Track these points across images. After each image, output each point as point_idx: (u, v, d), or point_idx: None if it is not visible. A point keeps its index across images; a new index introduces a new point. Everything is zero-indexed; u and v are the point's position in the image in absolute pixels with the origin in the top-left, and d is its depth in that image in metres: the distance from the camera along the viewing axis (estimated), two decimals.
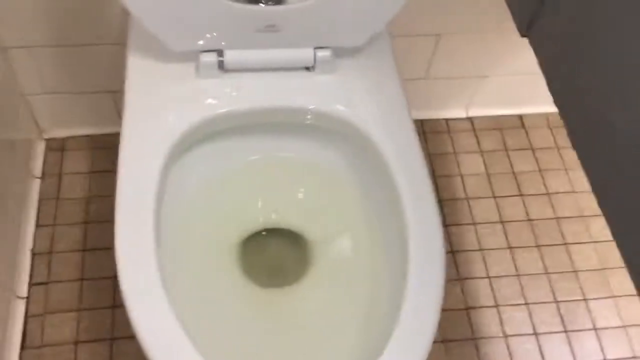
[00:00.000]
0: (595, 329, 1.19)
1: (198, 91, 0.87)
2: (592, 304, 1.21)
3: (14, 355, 1.05)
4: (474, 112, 1.41)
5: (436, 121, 1.40)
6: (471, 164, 1.35)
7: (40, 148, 1.27)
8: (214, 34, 0.84)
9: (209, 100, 0.87)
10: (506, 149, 1.38)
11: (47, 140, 1.28)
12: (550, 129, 1.42)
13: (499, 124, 1.41)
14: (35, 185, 1.23)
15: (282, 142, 0.96)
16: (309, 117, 0.90)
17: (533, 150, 1.39)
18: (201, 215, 0.93)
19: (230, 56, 0.87)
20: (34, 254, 1.16)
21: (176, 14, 0.81)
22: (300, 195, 0.99)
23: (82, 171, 1.26)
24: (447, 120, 1.41)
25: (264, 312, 0.92)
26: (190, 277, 0.89)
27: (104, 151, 1.27)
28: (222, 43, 0.86)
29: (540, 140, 1.40)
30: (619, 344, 1.17)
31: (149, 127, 0.84)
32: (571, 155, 1.36)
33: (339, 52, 0.91)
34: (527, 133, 1.41)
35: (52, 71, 1.15)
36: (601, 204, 0.68)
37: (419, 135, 1.35)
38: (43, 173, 1.25)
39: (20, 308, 1.10)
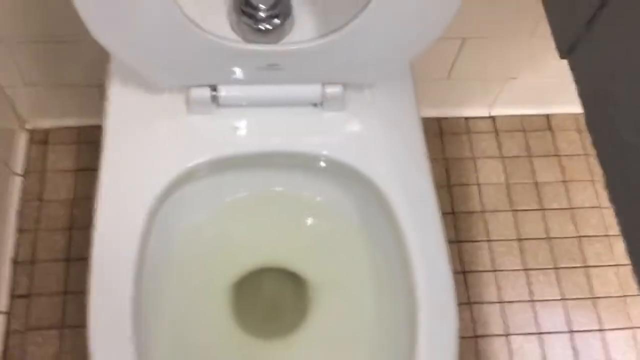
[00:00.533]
0: None
1: (188, 130, 0.77)
2: (608, 335, 1.14)
3: None
4: (497, 111, 1.29)
5: (455, 120, 1.28)
6: (490, 172, 1.25)
7: (22, 140, 1.17)
8: (207, 72, 0.72)
9: (201, 142, 0.77)
10: (529, 155, 1.27)
11: (30, 131, 1.18)
12: (579, 132, 1.30)
13: (523, 125, 1.29)
14: (17, 184, 1.13)
15: (282, 177, 0.86)
16: (315, 162, 0.79)
17: (559, 157, 1.27)
18: (189, 258, 0.84)
19: (225, 92, 0.75)
20: (14, 263, 1.08)
21: (161, 53, 0.69)
22: (301, 234, 0.90)
23: (67, 168, 1.16)
24: (467, 118, 1.29)
25: None
26: (176, 326, 0.82)
27: (91, 146, 1.16)
28: (216, 80, 0.74)
29: (567, 146, 1.28)
30: None
31: (130, 179, 0.74)
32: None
33: (352, 86, 0.79)
34: (553, 136, 1.29)
35: (34, 65, 1.03)
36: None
37: (436, 136, 1.27)
38: (25, 170, 1.15)
39: (1, 323, 1.03)
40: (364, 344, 0.84)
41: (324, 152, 0.78)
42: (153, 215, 0.75)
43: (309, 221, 0.88)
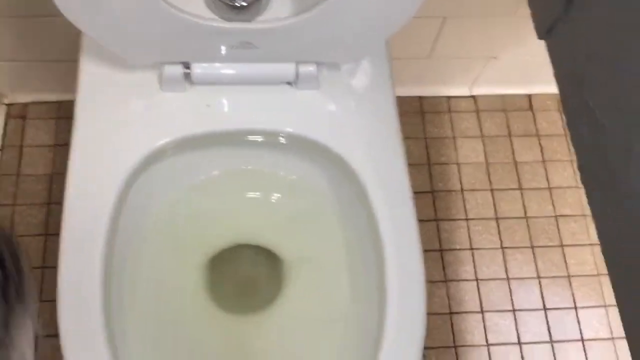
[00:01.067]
0: (582, 340, 1.14)
1: (160, 108, 0.76)
2: (582, 313, 1.16)
3: None
4: (479, 90, 1.29)
5: (437, 99, 1.28)
6: (470, 151, 1.25)
7: (0, 114, 1.16)
8: (180, 49, 0.72)
9: (173, 120, 0.76)
10: (510, 135, 1.27)
11: (8, 105, 1.17)
12: (560, 112, 1.30)
13: (504, 105, 1.29)
14: None
15: (256, 155, 0.86)
16: (285, 139, 0.79)
17: (539, 137, 1.28)
18: (163, 235, 0.85)
19: (198, 70, 0.75)
20: None
21: (133, 31, 0.68)
22: (275, 211, 0.90)
23: (45, 143, 1.15)
24: (448, 97, 1.29)
25: (231, 342, 0.85)
26: (150, 303, 0.82)
27: (70, 121, 1.16)
28: (189, 58, 0.73)
29: (547, 126, 1.29)
30: (605, 357, 1.13)
31: (101, 156, 0.73)
32: None
33: (327, 65, 0.78)
34: (534, 116, 1.30)
35: (12, 40, 1.01)
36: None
37: (417, 114, 1.27)
38: (2, 144, 1.14)
39: None
40: (336, 320, 0.85)
41: (298, 131, 0.78)
42: (124, 192, 0.75)
43: (283, 199, 0.89)
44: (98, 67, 0.77)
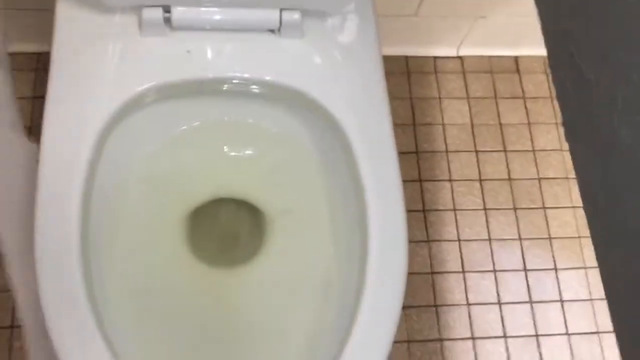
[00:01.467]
0: (561, 301, 1.15)
1: (139, 53, 0.74)
2: (562, 274, 1.17)
3: None
4: (466, 51, 1.28)
5: (423, 59, 1.27)
6: (455, 112, 1.24)
7: None
8: None
9: (152, 66, 0.74)
10: (496, 96, 1.27)
11: None
12: (547, 75, 1.29)
13: (491, 66, 1.28)
14: None
15: (237, 106, 0.84)
16: (266, 89, 0.78)
17: (525, 99, 1.27)
18: (142, 188, 0.83)
19: (178, 14, 0.73)
20: None
21: None
22: (257, 164, 0.89)
23: (24, 95, 1.13)
24: (435, 58, 1.28)
25: (212, 295, 0.85)
26: (130, 258, 0.81)
27: None
28: (169, 0, 0.71)
29: (533, 88, 1.28)
30: (584, 318, 1.14)
31: (77, 103, 0.72)
32: None
33: (310, 13, 0.77)
34: (520, 78, 1.29)
35: None
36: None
37: (403, 74, 1.25)
38: None
39: None
40: (317, 273, 0.85)
41: (280, 80, 0.76)
42: (101, 142, 0.73)
43: (265, 151, 0.88)
44: (74, 11, 0.75)
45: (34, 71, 1.14)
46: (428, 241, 1.15)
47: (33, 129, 1.11)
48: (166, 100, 0.80)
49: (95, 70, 0.73)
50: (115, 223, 0.79)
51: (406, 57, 1.26)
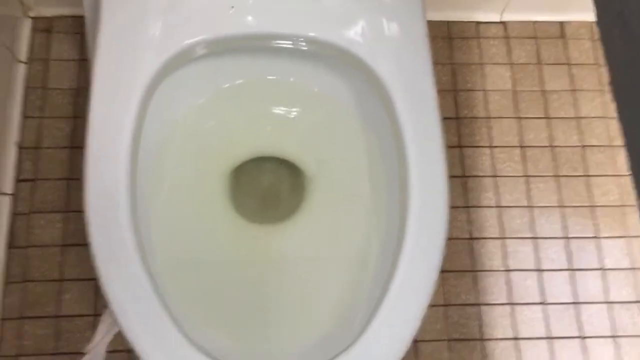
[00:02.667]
0: (602, 269, 1.14)
1: (185, 7, 0.75)
2: (603, 242, 1.15)
3: (0, 254, 1.03)
4: (510, 16, 1.26)
5: (465, 24, 1.25)
6: (497, 78, 1.23)
7: (26, 28, 1.16)
8: None
9: (197, 20, 0.75)
10: (539, 62, 1.25)
11: (34, 19, 1.17)
12: (593, 41, 1.26)
13: (535, 32, 1.26)
14: (21, 71, 1.13)
15: (280, 64, 0.85)
16: (309, 45, 0.78)
17: (569, 65, 1.25)
18: (186, 144, 0.85)
19: None
20: (20, 148, 1.10)
21: None
22: (298, 123, 0.90)
23: (71, 58, 1.15)
24: (477, 23, 1.26)
25: (252, 251, 0.86)
26: (173, 210, 0.83)
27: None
28: None
29: (579, 55, 1.25)
30: (625, 287, 1.13)
31: (125, 55, 0.73)
32: None
33: None
34: (565, 44, 1.26)
35: None
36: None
37: (445, 40, 1.24)
38: (29, 58, 1.15)
39: (5, 205, 1.06)
40: (356, 233, 0.85)
41: (323, 36, 0.77)
42: (148, 95, 0.75)
43: (307, 110, 0.88)
44: None
45: (80, 34, 1.16)
46: (467, 207, 1.15)
47: (80, 90, 1.14)
48: (210, 57, 0.81)
49: (141, 24, 0.75)
50: (160, 174, 0.80)
51: (448, 23, 1.25)
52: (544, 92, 1.23)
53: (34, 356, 0.99)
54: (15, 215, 1.06)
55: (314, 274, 0.85)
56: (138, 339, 0.64)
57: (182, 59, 0.77)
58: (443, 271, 1.10)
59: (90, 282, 1.03)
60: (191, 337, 0.65)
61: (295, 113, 0.89)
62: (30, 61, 1.14)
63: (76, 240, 1.06)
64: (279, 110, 0.89)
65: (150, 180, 0.79)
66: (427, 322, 1.07)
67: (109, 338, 0.96)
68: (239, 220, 0.87)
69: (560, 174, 1.18)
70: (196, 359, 0.64)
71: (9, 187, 1.07)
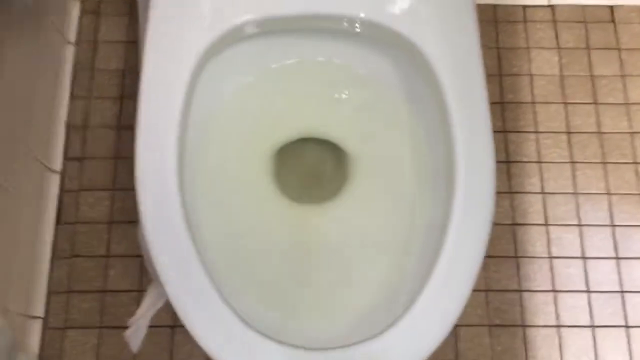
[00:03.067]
0: None
1: None
2: None
3: (49, 229, 1.06)
4: (558, 0, 1.23)
5: (512, 7, 1.23)
6: (544, 63, 1.21)
7: (75, 10, 1.18)
8: None
9: (246, 1, 0.76)
10: (588, 47, 1.22)
11: (82, 1, 1.19)
12: None
13: (584, 16, 1.23)
14: (70, 52, 1.16)
15: (328, 45, 0.85)
16: (360, 27, 0.78)
17: (619, 50, 1.22)
18: (233, 122, 0.86)
19: None
20: (68, 127, 1.12)
21: None
22: (344, 105, 0.90)
23: (118, 39, 1.17)
24: (524, 6, 1.24)
25: (295, 229, 0.87)
26: (219, 186, 0.84)
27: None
28: None
29: (629, 39, 1.22)
30: None
31: (177, 31, 0.74)
32: None
33: None
34: (615, 28, 1.23)
35: None
36: None
37: (491, 23, 1.22)
38: (78, 39, 1.17)
39: (54, 182, 1.09)
40: (400, 215, 0.85)
41: (373, 17, 0.76)
42: (198, 72, 0.76)
43: (352, 92, 0.88)
44: None
45: (127, 15, 1.18)
46: (510, 192, 1.13)
47: (126, 71, 1.16)
48: (259, 37, 0.81)
49: (193, 3, 0.75)
50: (207, 151, 0.82)
51: (494, 6, 1.23)
52: (592, 77, 1.20)
53: (81, 329, 1.02)
54: (63, 192, 1.09)
55: (356, 253, 0.85)
56: (184, 307, 0.65)
57: (231, 38, 0.78)
58: (485, 256, 1.09)
59: (136, 258, 1.05)
60: (237, 308, 0.66)
61: (341, 94, 0.89)
62: (78, 43, 1.17)
63: (122, 218, 1.08)
64: (325, 91, 0.89)
65: (197, 156, 0.80)
66: (468, 307, 1.05)
67: (152, 312, 0.98)
68: (283, 199, 0.87)
69: (608, 161, 1.15)
70: (243, 332, 0.65)
71: (58, 164, 1.09)
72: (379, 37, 0.80)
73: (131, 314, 1.01)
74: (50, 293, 1.03)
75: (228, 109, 0.85)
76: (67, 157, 1.11)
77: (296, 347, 0.65)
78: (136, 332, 0.97)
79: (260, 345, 0.65)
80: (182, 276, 0.66)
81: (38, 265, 1.02)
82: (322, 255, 0.85)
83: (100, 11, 1.19)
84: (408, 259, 0.82)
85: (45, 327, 1.01)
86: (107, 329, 1.02)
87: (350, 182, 0.88)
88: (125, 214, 1.08)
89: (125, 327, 1.00)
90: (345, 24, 0.79)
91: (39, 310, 1.01)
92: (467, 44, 0.79)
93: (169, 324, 1.01)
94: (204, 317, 0.65)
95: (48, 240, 1.05)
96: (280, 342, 0.65)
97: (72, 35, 1.16)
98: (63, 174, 1.10)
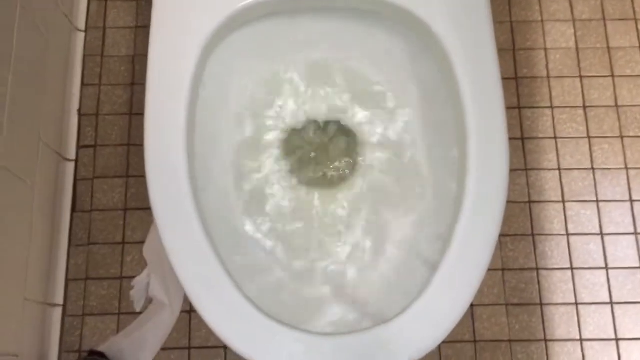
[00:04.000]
0: None
1: None
2: None
3: (65, 218, 1.07)
4: None
5: None
6: (559, 36, 1.18)
7: None
8: None
9: None
10: (604, 18, 1.19)
11: None
12: None
13: None
14: (80, 40, 1.15)
15: (335, 26, 0.84)
16: (369, 5, 0.77)
17: (636, 21, 1.19)
18: (241, 106, 0.85)
19: None
20: (80, 115, 1.13)
21: None
22: (353, 87, 0.88)
23: (127, 25, 1.17)
24: None
25: (307, 212, 0.86)
26: (228, 171, 0.84)
27: (151, 2, 1.17)
28: None
29: None
30: None
31: (181, 18, 0.74)
32: None
33: None
34: None
35: None
36: None
37: None
38: (87, 26, 1.17)
39: (69, 171, 1.09)
40: (412, 199, 0.85)
41: None
42: (204, 58, 0.75)
43: (364, 73, 0.87)
44: None
45: (135, 1, 1.17)
46: (526, 169, 1.12)
47: (136, 57, 1.15)
48: (265, 19, 0.80)
49: None
50: (216, 137, 0.81)
51: None
52: (608, 49, 1.17)
53: (99, 315, 1.03)
54: (78, 180, 1.09)
55: (372, 231, 0.84)
56: (198, 295, 0.65)
57: (237, 21, 0.77)
58: (501, 235, 1.08)
59: None
60: (250, 295, 0.66)
61: (351, 76, 0.88)
62: (87, 29, 1.16)
63: (137, 205, 1.08)
64: (334, 73, 0.88)
65: (206, 141, 0.80)
66: (484, 286, 1.06)
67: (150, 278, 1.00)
68: (294, 183, 0.87)
69: (626, 135, 1.13)
70: (258, 319, 0.65)
71: (72, 153, 1.10)
72: (387, 15, 0.79)
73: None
74: (68, 281, 1.05)
75: (236, 94, 0.84)
76: (80, 146, 1.11)
77: (310, 332, 0.65)
78: (139, 292, 1.00)
79: (274, 331, 0.65)
80: (193, 263, 0.66)
81: (55, 253, 1.03)
82: (334, 238, 0.85)
83: None
84: (423, 238, 0.82)
85: (65, 315, 1.03)
86: (126, 315, 1.03)
87: (361, 164, 0.88)
88: (140, 201, 1.08)
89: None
90: (352, 2, 0.78)
91: (59, 298, 1.03)
92: (478, 20, 0.77)
93: (187, 310, 1.02)
94: (217, 305, 0.65)
95: (65, 228, 1.06)
96: (294, 327, 0.65)
97: (81, 23, 1.16)
98: (77, 163, 1.10)
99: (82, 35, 1.16)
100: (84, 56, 1.15)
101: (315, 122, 0.90)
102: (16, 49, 0.88)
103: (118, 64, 1.15)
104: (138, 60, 1.15)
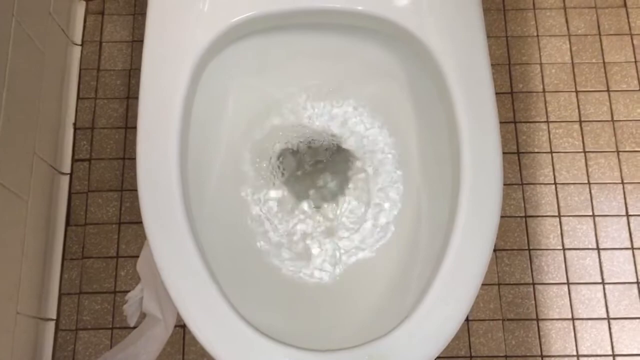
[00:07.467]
0: None
1: None
2: None
3: (59, 231, 1.06)
4: None
5: None
6: (555, 50, 1.18)
7: (80, 10, 1.18)
8: None
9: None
10: (600, 33, 1.19)
11: (87, 1, 1.19)
12: None
13: (595, 1, 1.21)
14: (76, 54, 1.16)
15: (327, 40, 0.84)
16: (359, 20, 0.77)
17: (632, 36, 1.19)
18: (235, 121, 0.85)
19: None
20: (76, 128, 1.12)
21: None
22: (346, 100, 0.88)
23: (123, 39, 1.17)
24: None
25: (301, 225, 0.86)
26: (223, 185, 0.84)
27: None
28: None
29: None
30: None
31: (174, 34, 0.74)
32: None
33: None
34: (627, 13, 1.20)
35: None
36: None
37: (499, 11, 1.20)
38: (83, 39, 1.17)
39: (64, 184, 1.09)
40: (407, 210, 0.84)
41: (372, 10, 0.75)
42: (197, 74, 0.75)
43: (355, 87, 0.87)
44: None
45: (132, 15, 1.18)
46: (522, 184, 1.12)
47: (132, 71, 1.15)
48: (257, 34, 0.80)
49: (190, 2, 0.75)
50: (210, 151, 0.81)
51: None
52: (604, 64, 1.18)
53: (93, 330, 1.02)
54: (72, 194, 1.09)
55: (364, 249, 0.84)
56: (188, 311, 0.65)
57: (230, 36, 0.77)
58: (497, 250, 1.08)
59: None
60: (241, 311, 0.65)
61: (343, 90, 0.88)
62: (84, 43, 1.17)
63: (132, 218, 1.08)
64: (326, 87, 0.88)
65: (200, 156, 0.80)
66: (480, 301, 1.05)
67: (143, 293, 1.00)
68: (289, 198, 0.86)
69: (622, 149, 1.13)
70: (249, 335, 0.65)
71: (66, 166, 1.10)
72: (381, 31, 0.79)
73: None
74: (61, 295, 1.04)
75: (230, 108, 0.84)
76: (75, 159, 1.11)
77: (302, 349, 0.64)
78: (132, 307, 0.99)
79: (266, 348, 0.64)
80: (184, 278, 0.66)
81: (49, 267, 1.03)
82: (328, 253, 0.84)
83: (104, 11, 1.19)
84: (416, 255, 0.81)
85: (58, 329, 1.02)
86: (119, 329, 1.02)
87: (354, 179, 0.87)
88: (134, 215, 1.08)
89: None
90: (345, 18, 0.78)
91: (51, 312, 1.02)
92: (471, 36, 0.77)
93: (180, 324, 1.01)
94: (208, 322, 0.65)
95: (59, 242, 1.05)
96: (285, 344, 0.64)
97: (77, 37, 1.16)
98: (72, 176, 1.10)
99: (78, 49, 1.16)
100: (80, 70, 1.15)
101: (311, 140, 0.90)
102: (11, 63, 0.88)
103: (114, 78, 1.15)
104: (134, 74, 1.15)
